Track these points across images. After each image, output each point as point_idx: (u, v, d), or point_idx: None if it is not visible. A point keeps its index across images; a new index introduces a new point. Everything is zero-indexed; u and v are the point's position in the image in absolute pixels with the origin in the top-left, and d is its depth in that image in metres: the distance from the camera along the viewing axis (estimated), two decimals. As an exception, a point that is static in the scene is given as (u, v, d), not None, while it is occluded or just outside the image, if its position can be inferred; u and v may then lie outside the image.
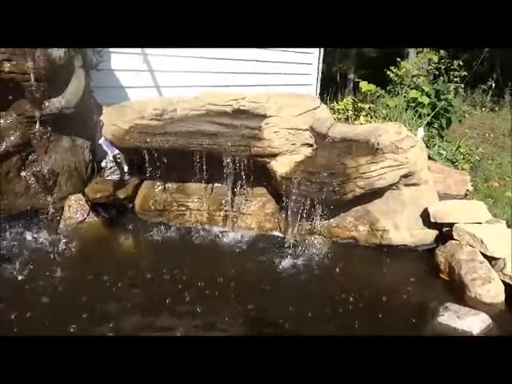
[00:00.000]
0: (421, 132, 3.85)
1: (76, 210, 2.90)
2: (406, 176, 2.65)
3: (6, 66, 2.35)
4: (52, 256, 2.44)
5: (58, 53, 2.51)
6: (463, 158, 4.51)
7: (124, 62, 3.70)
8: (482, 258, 2.33)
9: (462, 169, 4.18)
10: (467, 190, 3.47)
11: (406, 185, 2.73)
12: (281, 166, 2.63)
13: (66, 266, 2.36)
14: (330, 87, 7.07)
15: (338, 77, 10.97)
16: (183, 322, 1.99)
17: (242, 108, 3.10)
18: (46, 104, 2.52)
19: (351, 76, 9.24)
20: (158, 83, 4.04)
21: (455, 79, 5.35)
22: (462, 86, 5.44)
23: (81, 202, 2.91)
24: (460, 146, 4.76)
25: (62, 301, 2.09)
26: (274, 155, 2.67)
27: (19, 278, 2.24)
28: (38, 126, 2.22)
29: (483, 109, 8.63)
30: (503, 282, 2.23)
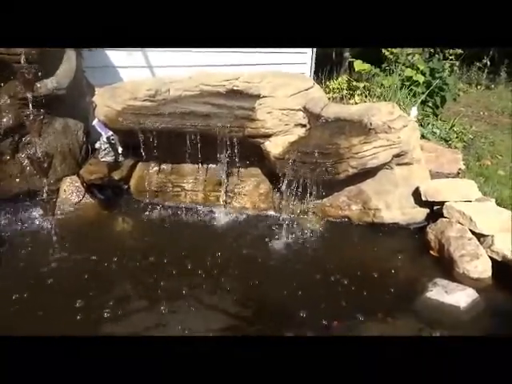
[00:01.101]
0: (414, 111, 3.87)
1: (71, 191, 2.91)
2: (398, 155, 2.68)
3: (-4, 47, 2.32)
4: (49, 237, 2.47)
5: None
6: (456, 137, 4.53)
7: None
8: (471, 235, 2.39)
9: (455, 147, 4.21)
10: (459, 169, 3.51)
11: (398, 164, 2.77)
12: (274, 147, 2.65)
13: (63, 247, 2.39)
14: (326, 65, 7.00)
15: (334, 55, 10.82)
16: (181, 301, 2.05)
17: (235, 88, 3.09)
18: (38, 85, 2.51)
19: (347, 54, 9.11)
20: (150, 63, 3.99)
21: (450, 57, 5.31)
22: (457, 63, 5.41)
23: (76, 184, 2.93)
24: (454, 125, 4.78)
25: (59, 281, 2.13)
26: (267, 136, 2.69)
27: (17, 259, 2.28)
28: (30, 108, 2.21)
29: (479, 86, 8.59)
30: (491, 258, 2.30)
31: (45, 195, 2.59)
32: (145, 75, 3.90)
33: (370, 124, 2.72)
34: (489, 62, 7.49)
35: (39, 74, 2.39)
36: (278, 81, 3.07)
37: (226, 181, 2.95)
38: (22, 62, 2.17)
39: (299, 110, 2.87)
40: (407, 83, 5.05)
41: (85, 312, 1.92)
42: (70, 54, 2.82)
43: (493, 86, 8.83)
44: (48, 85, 2.61)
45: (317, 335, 1.87)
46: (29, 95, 2.20)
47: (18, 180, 2.75)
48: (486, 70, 8.95)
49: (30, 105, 2.23)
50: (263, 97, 2.92)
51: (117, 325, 1.89)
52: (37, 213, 2.69)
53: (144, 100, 2.84)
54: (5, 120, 2.61)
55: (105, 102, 2.77)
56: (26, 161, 2.69)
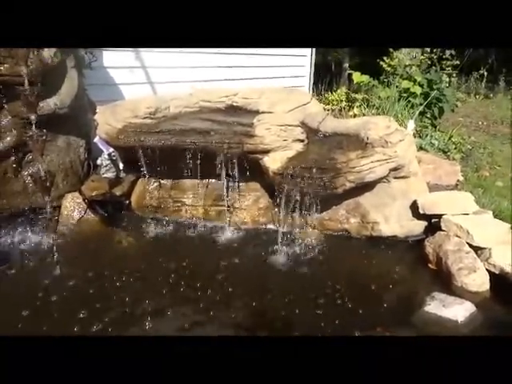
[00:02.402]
0: (411, 124, 3.91)
1: (73, 208, 2.94)
2: (395, 169, 2.71)
3: (0, 70, 2.37)
4: (51, 254, 2.50)
5: (49, 54, 2.54)
6: (455, 148, 4.57)
7: (117, 59, 3.72)
8: (468, 248, 2.41)
9: (454, 159, 4.24)
10: (458, 181, 3.54)
11: (395, 177, 2.80)
12: (273, 162, 2.69)
13: (65, 264, 2.42)
14: (325, 77, 7.09)
15: (333, 65, 10.92)
16: (181, 316, 2.07)
17: (234, 104, 3.14)
18: (41, 105, 2.56)
19: (346, 65, 9.22)
20: (151, 79, 4.06)
21: (447, 68, 5.37)
22: (454, 74, 5.47)
23: (78, 200, 2.96)
24: (452, 136, 4.82)
25: (61, 298, 2.15)
26: (266, 151, 2.72)
27: (19, 276, 2.31)
28: (33, 128, 2.26)
29: (477, 96, 8.66)
30: (488, 271, 2.31)
31: (47, 212, 2.64)
32: (146, 92, 3.96)
33: (367, 138, 2.76)
34: (486, 73, 7.52)
35: (42, 94, 2.45)
36: (276, 96, 3.13)
37: (225, 195, 2.99)
38: (25, 83, 2.22)
39: (297, 125, 2.91)
40: (405, 95, 5.11)
41: (87, 327, 1.94)
42: (72, 73, 2.88)
43: (491, 95, 8.89)
44: (51, 104, 2.66)
45: (316, 335, 1.89)
46: (32, 116, 2.25)
47: (20, 197, 2.78)
48: (484, 80, 9.01)
49: (33, 125, 2.28)
50: (262, 112, 2.97)
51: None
52: (39, 229, 2.73)
53: (144, 118, 2.89)
54: (8, 139, 2.66)
55: (106, 120, 2.82)
56: (29, 178, 2.73)
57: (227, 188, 2.94)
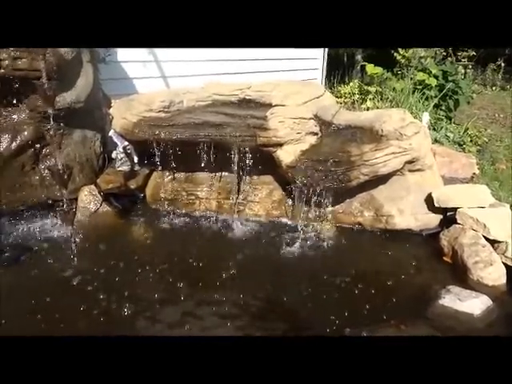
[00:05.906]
0: (426, 117, 3.85)
1: (89, 200, 2.99)
2: (410, 162, 2.69)
3: (18, 64, 2.41)
4: (68, 245, 2.54)
5: (66, 49, 2.56)
6: (471, 141, 4.50)
7: (130, 53, 3.74)
8: (485, 242, 2.38)
9: (469, 151, 4.18)
10: (474, 173, 3.49)
11: (410, 170, 2.77)
12: (286, 155, 2.69)
13: (82, 255, 2.46)
14: (338, 69, 7.01)
15: (346, 58, 10.78)
16: (196, 308, 2.10)
17: (247, 98, 3.14)
18: (58, 99, 2.60)
19: (359, 57, 9.08)
20: (164, 73, 4.08)
21: (463, 60, 5.27)
22: (470, 66, 5.36)
23: (94, 193, 3.00)
24: (468, 128, 4.74)
25: (78, 289, 2.20)
26: (279, 144, 2.72)
27: (37, 267, 2.36)
28: (51, 122, 2.30)
29: (494, 87, 8.47)
30: (505, 264, 2.29)
31: (64, 204, 2.69)
32: (160, 85, 3.99)
33: (382, 131, 2.73)
34: (503, 63, 7.34)
35: (58, 88, 2.48)
36: (290, 89, 3.11)
37: (239, 188, 3.00)
38: (43, 77, 2.25)
39: (311, 118, 2.90)
40: (420, 87, 5.04)
41: (102, 317, 1.99)
42: (87, 68, 2.91)
43: (508, 86, 8.68)
44: (67, 99, 2.69)
45: (317, 335, 1.89)
46: (49, 110, 2.28)
47: (38, 190, 2.83)
48: (501, 71, 8.80)
49: (51, 119, 2.31)
50: (275, 105, 2.96)
51: (134, 330, 1.95)
52: (56, 221, 2.78)
53: (158, 111, 2.91)
54: (26, 133, 2.71)
55: (121, 114, 2.85)
56: (46, 171, 2.78)
57: (240, 181, 2.95)
